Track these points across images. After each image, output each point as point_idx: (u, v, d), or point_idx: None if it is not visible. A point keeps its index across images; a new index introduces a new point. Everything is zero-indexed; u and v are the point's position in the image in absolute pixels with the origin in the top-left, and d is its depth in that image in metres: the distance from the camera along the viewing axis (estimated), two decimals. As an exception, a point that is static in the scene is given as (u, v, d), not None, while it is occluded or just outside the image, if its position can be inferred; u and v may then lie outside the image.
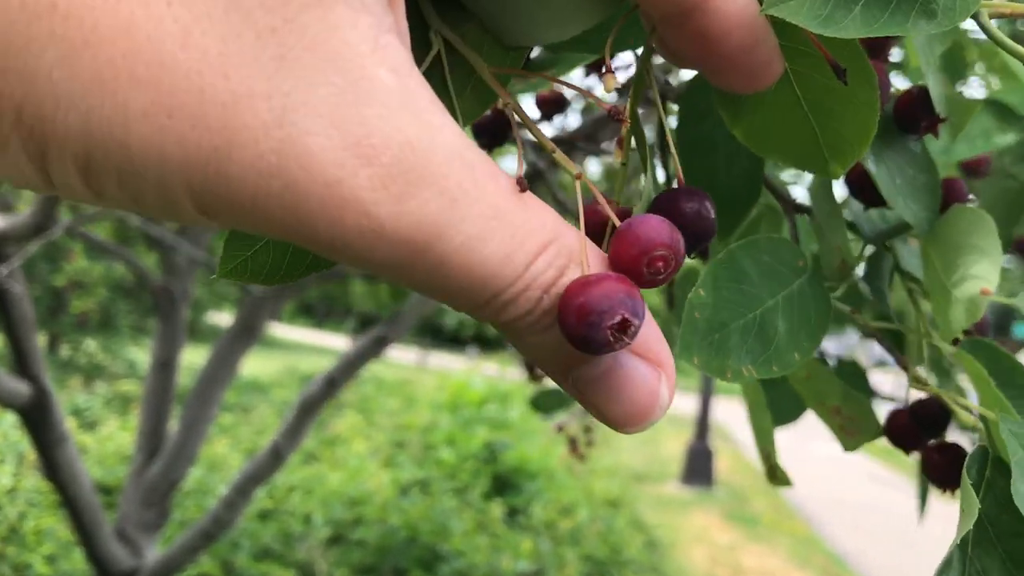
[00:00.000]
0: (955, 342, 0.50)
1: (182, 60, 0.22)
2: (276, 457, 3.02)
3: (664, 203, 0.37)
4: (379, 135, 0.23)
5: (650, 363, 0.29)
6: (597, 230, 0.36)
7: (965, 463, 0.42)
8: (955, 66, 0.66)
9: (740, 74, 0.35)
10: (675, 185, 0.38)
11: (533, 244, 0.26)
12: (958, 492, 0.42)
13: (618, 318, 0.26)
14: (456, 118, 0.36)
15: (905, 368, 0.50)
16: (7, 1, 0.21)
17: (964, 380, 0.58)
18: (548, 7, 0.35)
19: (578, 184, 0.32)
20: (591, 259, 0.28)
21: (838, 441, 0.60)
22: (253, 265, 0.35)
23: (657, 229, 0.29)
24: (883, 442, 0.58)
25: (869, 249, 0.56)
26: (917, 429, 0.54)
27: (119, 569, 2.83)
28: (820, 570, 6.16)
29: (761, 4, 0.33)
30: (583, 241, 0.28)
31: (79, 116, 0.22)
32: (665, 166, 0.54)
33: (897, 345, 0.56)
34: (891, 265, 0.56)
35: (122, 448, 5.54)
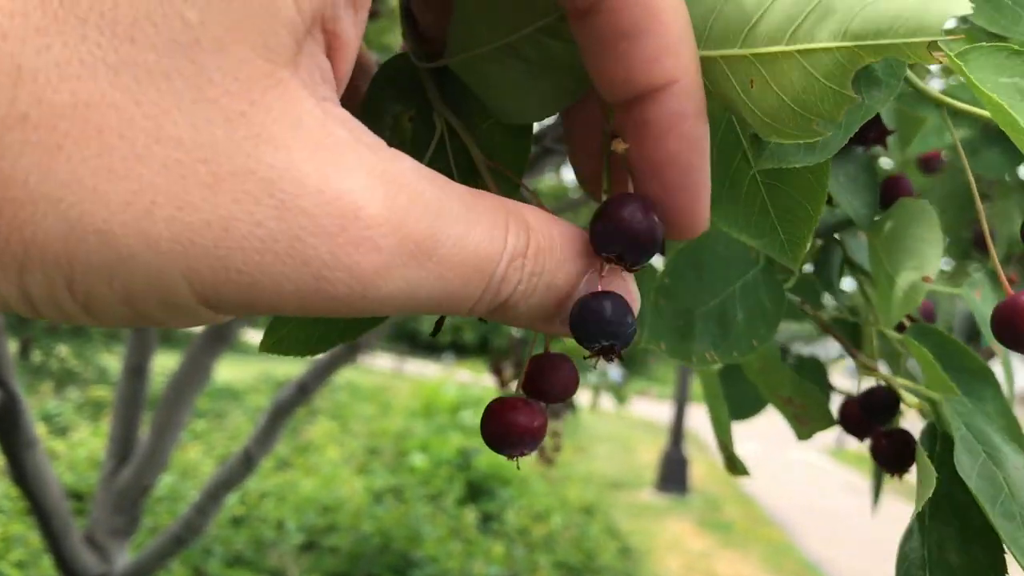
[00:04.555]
0: (901, 328, 0.52)
1: (157, 152, 0.23)
2: (247, 463, 3.01)
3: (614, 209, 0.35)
4: (365, 178, 0.25)
5: (612, 272, 0.33)
6: None
7: (919, 437, 0.43)
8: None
9: (666, 192, 0.33)
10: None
11: (500, 220, 0.29)
12: (905, 476, 0.43)
13: (519, 451, 0.35)
14: None
15: (854, 356, 0.51)
16: None
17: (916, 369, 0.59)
18: (533, 90, 0.37)
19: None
20: (536, 215, 0.31)
21: (792, 429, 0.62)
22: (291, 339, 0.38)
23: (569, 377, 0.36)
24: (858, 451, 0.59)
25: (819, 244, 0.57)
26: (867, 417, 0.55)
27: (88, 575, 2.81)
28: (793, 577, 6.19)
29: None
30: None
31: (59, 215, 0.22)
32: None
33: (849, 336, 0.57)
34: (841, 258, 0.57)
35: (94, 454, 5.50)
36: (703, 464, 9.99)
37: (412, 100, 0.40)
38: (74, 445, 5.93)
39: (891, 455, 0.52)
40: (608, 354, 0.32)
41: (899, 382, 0.48)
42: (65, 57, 0.22)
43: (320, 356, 2.41)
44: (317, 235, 0.24)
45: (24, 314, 0.25)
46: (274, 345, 0.39)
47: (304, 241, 0.24)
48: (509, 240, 0.29)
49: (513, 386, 2.41)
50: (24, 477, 2.54)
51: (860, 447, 0.62)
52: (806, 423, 0.60)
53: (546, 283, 0.31)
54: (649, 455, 10.16)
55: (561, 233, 0.32)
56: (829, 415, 0.61)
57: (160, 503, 4.85)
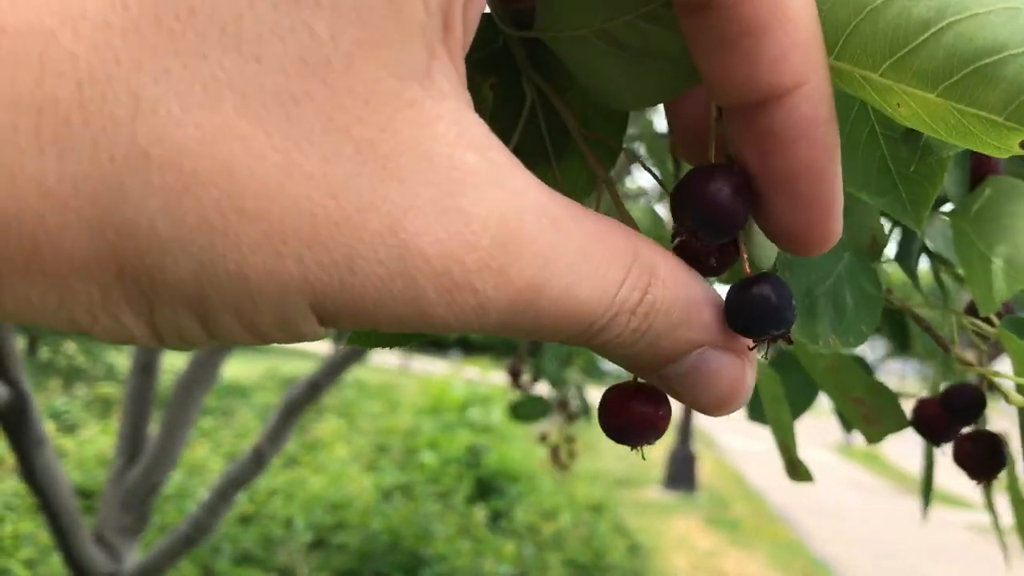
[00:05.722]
0: (975, 316, 0.49)
1: (288, 189, 0.22)
2: (258, 460, 3.00)
3: (693, 180, 0.32)
4: (477, 221, 0.24)
5: (732, 352, 0.30)
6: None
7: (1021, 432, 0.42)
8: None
9: (796, 205, 0.30)
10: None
11: (618, 272, 0.27)
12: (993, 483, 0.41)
13: (643, 442, 0.35)
14: (552, 178, 0.35)
15: (947, 348, 0.48)
16: (97, 157, 0.20)
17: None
18: (632, 80, 0.34)
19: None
20: (670, 270, 0.29)
21: (860, 432, 0.59)
22: (376, 335, 0.39)
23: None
24: (865, 449, 0.57)
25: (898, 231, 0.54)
26: (948, 418, 0.52)
27: (97, 574, 2.80)
28: (801, 575, 6.18)
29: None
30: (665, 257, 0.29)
31: (190, 259, 0.22)
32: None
33: (898, 327, 0.55)
34: (920, 245, 0.54)
35: (102, 452, 5.50)
36: (710, 461, 9.99)
37: (492, 67, 0.37)
38: (83, 443, 5.93)
39: (978, 460, 0.49)
40: (772, 343, 0.30)
41: (997, 374, 0.46)
42: (187, 83, 0.21)
43: (331, 354, 2.42)
44: (427, 276, 0.24)
45: (145, 344, 0.24)
46: (360, 339, 0.40)
47: (416, 281, 0.24)
48: (621, 293, 0.27)
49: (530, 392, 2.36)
50: (33, 475, 2.53)
51: (868, 444, 0.59)
52: (876, 424, 0.58)
53: (648, 342, 0.29)
54: (656, 452, 10.14)
55: (688, 294, 0.29)
56: (903, 416, 0.58)
57: (168, 501, 4.84)
